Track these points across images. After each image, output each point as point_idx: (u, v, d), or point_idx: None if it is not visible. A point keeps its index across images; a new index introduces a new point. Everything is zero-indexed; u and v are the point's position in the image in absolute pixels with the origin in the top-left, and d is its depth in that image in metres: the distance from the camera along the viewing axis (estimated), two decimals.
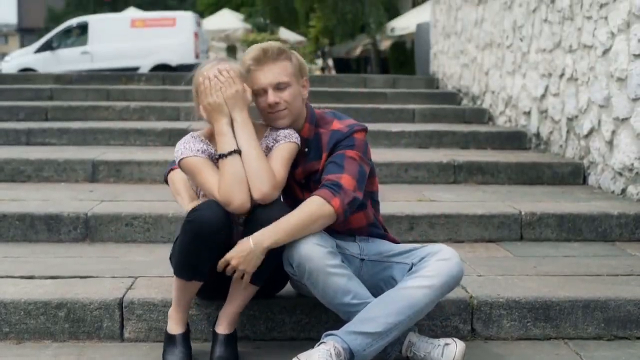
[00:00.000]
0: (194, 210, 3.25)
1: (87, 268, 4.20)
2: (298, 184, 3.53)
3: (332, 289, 3.22)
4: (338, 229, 3.44)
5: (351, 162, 3.37)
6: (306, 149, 3.49)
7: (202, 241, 3.21)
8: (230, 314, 3.39)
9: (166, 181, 3.71)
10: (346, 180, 3.31)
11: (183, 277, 3.31)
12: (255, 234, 3.20)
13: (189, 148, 3.37)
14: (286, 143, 3.42)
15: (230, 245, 3.26)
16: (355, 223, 3.52)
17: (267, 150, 3.43)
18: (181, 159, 3.36)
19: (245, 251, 3.18)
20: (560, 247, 4.95)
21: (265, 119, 3.50)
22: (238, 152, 3.29)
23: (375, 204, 3.65)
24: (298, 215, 3.23)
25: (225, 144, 3.31)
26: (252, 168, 3.27)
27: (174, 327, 3.41)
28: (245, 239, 3.22)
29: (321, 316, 3.62)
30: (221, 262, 3.24)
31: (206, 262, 3.27)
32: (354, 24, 23.94)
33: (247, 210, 3.27)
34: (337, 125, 3.49)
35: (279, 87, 3.41)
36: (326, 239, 3.26)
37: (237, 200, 3.24)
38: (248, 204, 3.26)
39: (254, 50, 3.46)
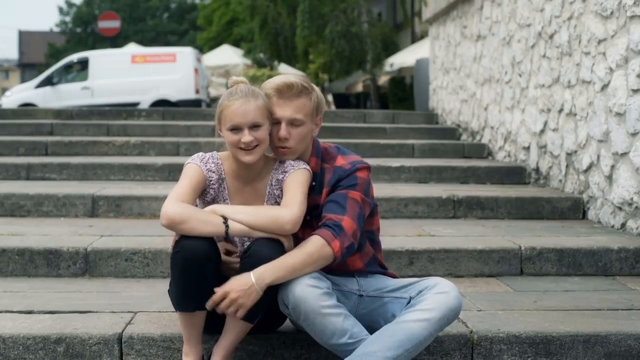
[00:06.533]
0: (177, 241, 3.25)
1: (87, 303, 4.19)
2: None
3: (329, 330, 3.19)
4: (334, 269, 3.41)
5: (353, 204, 3.36)
6: (313, 183, 3.48)
7: (195, 269, 3.21)
8: (223, 348, 3.36)
9: None
10: (347, 222, 3.30)
11: (186, 309, 3.29)
12: (256, 270, 3.16)
13: (202, 161, 3.43)
14: (298, 170, 3.43)
15: (221, 275, 3.27)
16: (351, 265, 3.50)
17: (278, 183, 3.45)
18: (187, 163, 3.45)
19: (247, 285, 3.14)
20: (560, 281, 4.94)
21: (272, 149, 3.50)
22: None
23: (375, 244, 3.62)
24: (299, 254, 3.21)
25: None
26: (262, 227, 3.29)
27: None
28: (245, 274, 3.18)
29: (321, 351, 3.59)
30: (217, 295, 3.16)
31: (204, 289, 3.23)
32: (350, 61, 24.00)
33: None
34: (340, 161, 3.48)
35: (293, 123, 3.41)
36: (321, 279, 3.24)
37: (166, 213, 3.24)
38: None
39: (278, 81, 3.42)
